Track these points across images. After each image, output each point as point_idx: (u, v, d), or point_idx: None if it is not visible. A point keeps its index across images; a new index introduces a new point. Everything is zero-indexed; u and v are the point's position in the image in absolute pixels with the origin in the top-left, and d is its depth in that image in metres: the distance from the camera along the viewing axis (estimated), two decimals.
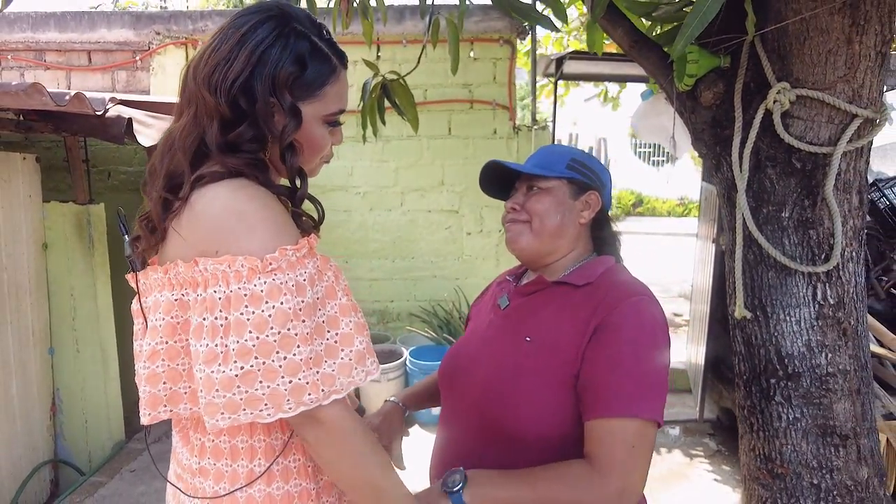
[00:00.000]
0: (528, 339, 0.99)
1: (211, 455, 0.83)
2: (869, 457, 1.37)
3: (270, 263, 0.71)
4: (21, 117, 2.37)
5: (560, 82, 5.55)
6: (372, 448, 0.79)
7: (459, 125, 3.84)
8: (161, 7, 7.37)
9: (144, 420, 0.81)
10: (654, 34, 1.69)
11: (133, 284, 0.84)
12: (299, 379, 0.71)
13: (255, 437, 0.81)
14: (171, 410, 0.81)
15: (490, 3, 1.54)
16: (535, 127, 3.81)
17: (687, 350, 3.76)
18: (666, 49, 1.54)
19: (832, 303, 1.33)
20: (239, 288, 0.71)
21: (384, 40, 3.77)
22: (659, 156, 15.60)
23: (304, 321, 0.72)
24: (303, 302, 0.72)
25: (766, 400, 1.43)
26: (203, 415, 0.74)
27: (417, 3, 2.57)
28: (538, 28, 3.75)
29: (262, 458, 0.81)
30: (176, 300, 0.76)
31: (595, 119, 12.88)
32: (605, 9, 1.52)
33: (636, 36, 1.50)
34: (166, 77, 3.88)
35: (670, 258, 8.53)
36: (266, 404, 0.71)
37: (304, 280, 0.74)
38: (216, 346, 0.71)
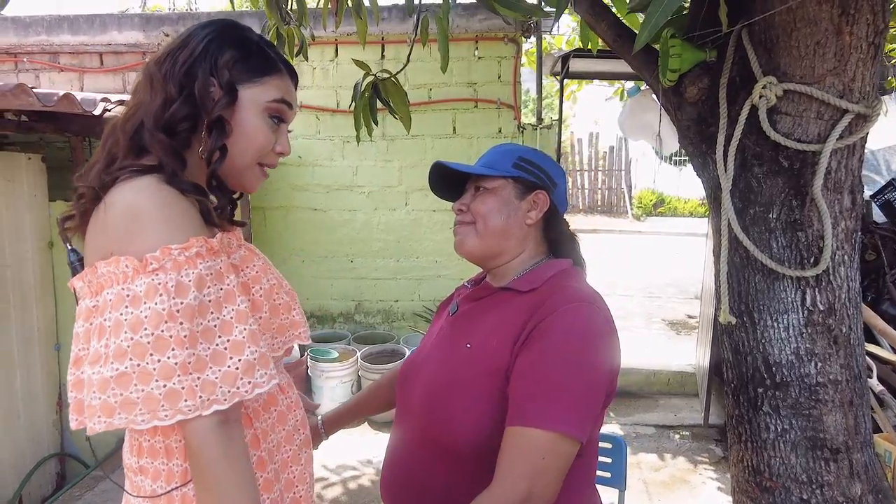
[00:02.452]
0: (468, 345, 0.96)
1: (148, 454, 0.82)
2: (863, 472, 1.30)
3: (151, 263, 0.69)
4: (24, 118, 2.40)
5: (571, 80, 5.49)
6: (239, 481, 0.72)
7: (464, 124, 3.80)
8: (170, 9, 7.48)
9: (73, 425, 0.79)
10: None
11: (72, 290, 0.82)
12: (174, 384, 0.68)
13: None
14: None
15: None
16: (541, 126, 3.75)
17: (696, 353, 3.66)
18: (654, 44, 1.49)
19: (822, 309, 1.26)
20: (122, 289, 0.70)
21: (389, 40, 3.75)
22: (681, 155, 15.35)
23: (181, 323, 0.69)
24: (182, 303, 0.69)
25: (753, 410, 1.37)
26: (84, 415, 0.73)
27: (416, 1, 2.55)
28: (544, 26, 3.69)
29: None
30: (92, 306, 0.75)
31: (616, 119, 12.72)
32: (589, 2, 1.47)
33: (619, 30, 1.45)
34: None
35: (689, 259, 8.37)
36: (141, 409, 0.69)
37: (190, 280, 0.71)
38: (101, 346, 0.70)
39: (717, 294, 1.39)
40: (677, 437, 3.16)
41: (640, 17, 1.79)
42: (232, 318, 0.74)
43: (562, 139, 3.80)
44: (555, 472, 0.82)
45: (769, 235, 1.29)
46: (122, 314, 0.69)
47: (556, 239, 1.06)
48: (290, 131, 0.89)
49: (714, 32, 1.29)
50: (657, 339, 4.64)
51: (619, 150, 14.61)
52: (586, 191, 14.53)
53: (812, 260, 1.25)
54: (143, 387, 0.68)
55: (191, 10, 7.52)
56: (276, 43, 2.26)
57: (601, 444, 1.45)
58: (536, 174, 1.03)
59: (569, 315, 0.89)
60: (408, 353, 3.50)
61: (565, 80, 5.40)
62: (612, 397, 0.95)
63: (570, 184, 14.72)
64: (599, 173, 14.61)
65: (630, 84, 4.95)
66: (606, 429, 3.21)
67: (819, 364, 1.27)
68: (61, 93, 1.81)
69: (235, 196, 0.93)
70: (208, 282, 0.73)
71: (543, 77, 3.98)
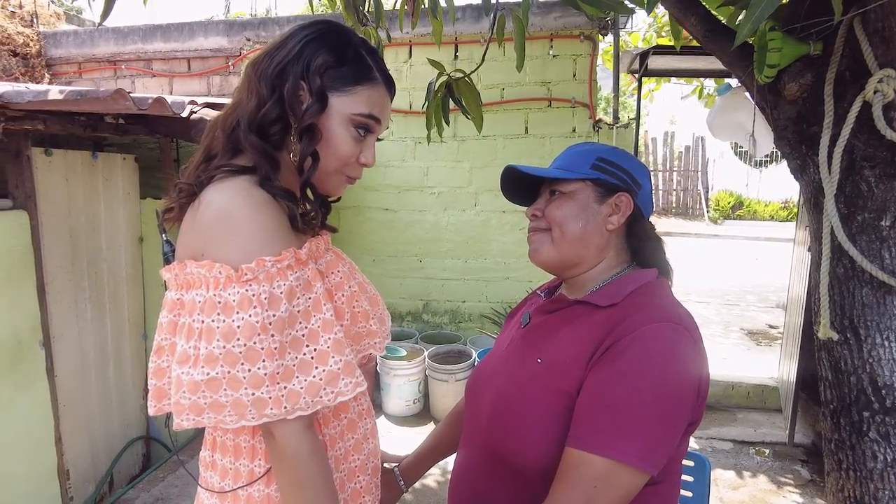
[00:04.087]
0: (539, 360, 0.91)
1: (220, 450, 0.84)
2: None
3: (245, 273, 0.70)
4: (121, 121, 2.56)
5: (649, 79, 5.28)
6: (321, 483, 0.75)
7: (536, 124, 3.73)
8: (251, 14, 7.79)
9: (151, 411, 0.83)
10: (735, 22, 1.54)
11: (163, 279, 0.84)
12: (262, 393, 0.70)
13: (257, 438, 0.80)
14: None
15: None
16: (617, 125, 3.62)
17: (779, 366, 3.43)
18: (750, 39, 1.39)
19: None
20: (214, 294, 0.71)
21: (462, 40, 3.74)
22: (772, 155, 14.49)
23: (272, 335, 0.70)
24: (274, 316, 0.71)
25: (857, 435, 1.25)
26: (172, 411, 0.75)
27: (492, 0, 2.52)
28: (622, 23, 3.57)
29: (263, 459, 0.81)
30: (177, 299, 0.77)
31: (692, 117, 12.16)
32: None
33: (710, 24, 1.36)
34: None
35: (770, 265, 7.88)
36: (229, 411, 0.71)
37: (282, 293, 0.72)
38: (190, 347, 0.72)
39: (816, 306, 1.29)
40: (757, 454, 2.97)
41: (732, 9, 1.68)
42: (319, 326, 0.75)
43: (639, 140, 3.66)
44: (609, 502, 0.77)
45: (881, 245, 1.18)
46: (213, 321, 0.70)
47: (640, 246, 0.98)
48: (380, 139, 0.87)
49: (818, 23, 1.19)
50: (735, 349, 4.39)
51: (696, 149, 14.00)
52: (660, 192, 14.01)
53: None
54: (233, 392, 0.70)
55: (271, 15, 7.84)
56: None
57: (683, 462, 1.37)
58: (618, 175, 0.95)
59: (649, 336, 0.82)
60: (474, 354, 3.48)
61: (643, 79, 5.22)
62: (697, 424, 0.88)
63: None
64: (674, 174, 14.07)
65: (711, 82, 4.72)
66: None
67: None
68: (153, 97, 1.92)
69: (332, 200, 0.92)
70: (298, 292, 0.74)
71: (620, 75, 3.85)
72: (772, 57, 1.21)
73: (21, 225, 2.12)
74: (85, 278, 2.57)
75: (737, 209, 13.79)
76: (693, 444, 3.07)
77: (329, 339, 0.74)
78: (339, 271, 0.89)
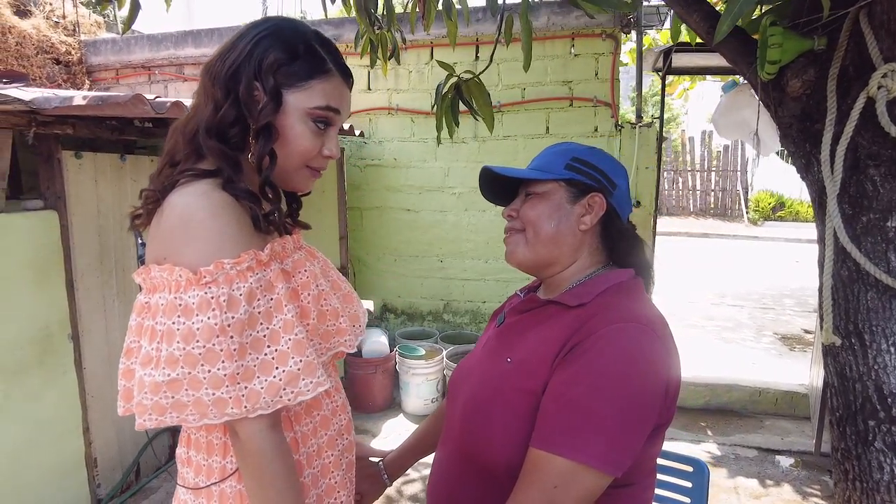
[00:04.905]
0: (508, 360, 0.91)
1: (194, 447, 0.85)
2: None
3: (204, 276, 0.71)
4: (148, 124, 2.66)
5: (681, 77, 5.16)
6: (284, 482, 0.76)
7: (558, 124, 3.70)
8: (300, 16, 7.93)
9: (120, 412, 0.84)
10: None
11: (137, 282, 0.85)
12: (222, 393, 0.71)
13: (229, 435, 0.81)
14: None
15: None
16: (640, 124, 3.56)
17: (810, 372, 3.31)
18: (755, 35, 1.36)
19: None
20: (175, 297, 0.72)
21: (483, 41, 3.74)
22: None
23: (231, 337, 0.71)
24: (233, 318, 0.72)
25: (863, 445, 1.21)
26: (134, 413, 0.76)
27: (515, 1, 2.52)
28: (644, 21, 3.51)
29: (235, 455, 0.80)
30: (144, 303, 0.78)
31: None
32: None
33: (713, 20, 1.33)
34: None
35: (812, 268, 7.59)
36: (191, 410, 0.72)
37: (241, 294, 0.73)
38: (152, 349, 0.73)
39: (820, 311, 1.24)
40: (784, 462, 2.88)
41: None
42: (280, 327, 0.75)
43: (671, 138, 3.58)
44: (570, 503, 0.76)
45: (886, 247, 1.14)
46: (174, 323, 0.71)
47: (616, 246, 0.97)
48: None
49: (821, 18, 1.15)
50: (766, 355, 4.26)
51: (735, 149, 13.60)
52: (698, 192, 13.67)
53: None
54: (194, 392, 0.71)
55: (307, 18, 7.98)
56: (368, 48, 2.33)
57: (679, 466, 1.34)
58: (592, 175, 0.94)
59: (612, 336, 0.81)
60: None
61: (673, 77, 5.11)
62: (667, 426, 0.86)
63: (679, 184, 13.91)
64: (713, 174, 13.70)
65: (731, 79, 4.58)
66: (690, 448, 2.99)
67: None
68: (172, 101, 1.98)
69: (302, 194, 0.92)
70: (258, 294, 0.74)
71: (645, 73, 3.78)
72: (772, 53, 1.18)
73: (51, 224, 2.22)
74: (113, 275, 2.67)
75: (778, 210, 13.34)
76: (715, 449, 2.99)
77: (290, 339, 0.75)
78: (306, 270, 0.89)
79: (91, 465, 2.45)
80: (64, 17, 4.79)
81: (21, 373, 2.13)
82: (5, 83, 2.27)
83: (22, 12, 4.65)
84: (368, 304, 4.21)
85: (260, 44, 0.79)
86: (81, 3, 5.05)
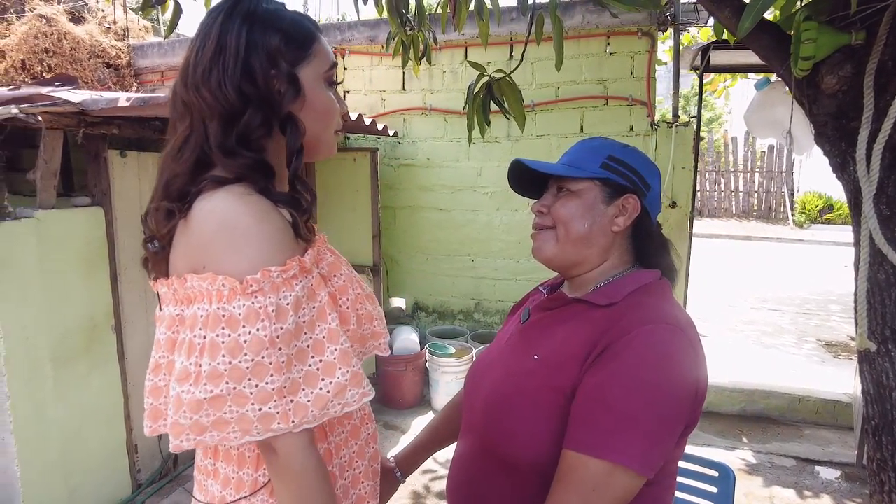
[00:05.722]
0: (535, 356, 0.90)
1: (223, 459, 0.81)
2: None
3: (251, 285, 0.67)
4: None
5: (721, 75, 5.02)
6: (324, 498, 0.73)
7: (592, 123, 3.66)
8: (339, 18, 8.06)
9: (146, 431, 0.80)
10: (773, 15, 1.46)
11: (156, 292, 0.80)
12: (269, 408, 0.68)
13: (261, 450, 0.76)
14: None
15: None
16: (676, 124, 3.49)
17: (854, 380, 3.19)
18: (790, 31, 1.32)
19: None
20: (218, 308, 0.68)
21: (517, 40, 3.73)
22: None
23: (280, 349, 0.68)
24: (281, 328, 0.68)
25: None
26: (168, 433, 0.71)
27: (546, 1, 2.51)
28: (682, 18, 3.43)
29: (269, 470, 0.77)
30: (176, 315, 0.74)
31: None
32: None
33: None
34: None
35: None
36: (233, 427, 0.68)
37: (288, 304, 0.69)
38: (190, 364, 0.69)
39: (856, 315, 1.20)
40: (823, 474, 2.78)
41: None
42: (324, 336, 0.72)
43: (713, 138, 3.49)
44: None
45: None
46: (217, 335, 0.67)
47: (644, 247, 0.96)
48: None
49: (862, 11, 1.11)
50: (807, 361, 4.12)
51: (780, 149, 13.14)
52: (741, 194, 13.28)
53: None
54: (238, 409, 0.67)
55: (348, 20, 8.10)
56: (399, 49, 2.36)
57: (705, 471, 1.32)
58: (628, 176, 0.93)
59: (645, 337, 0.80)
60: None
61: (711, 75, 4.96)
62: (693, 428, 0.85)
63: (721, 185, 13.52)
64: (756, 175, 13.29)
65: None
66: (724, 455, 2.91)
67: None
68: None
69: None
70: (303, 303, 0.71)
71: (685, 72, 3.70)
72: (806, 49, 1.15)
73: (97, 220, 2.33)
74: None
75: (826, 212, 12.83)
76: (750, 457, 2.91)
77: (335, 349, 0.72)
78: (342, 274, 0.87)
79: (132, 451, 2.55)
80: (115, 22, 5.00)
81: (71, 360, 2.25)
82: (57, 86, 2.39)
83: (76, 19, 4.88)
84: (400, 302, 4.25)
85: (252, 30, 0.74)
86: (131, 9, 5.26)
